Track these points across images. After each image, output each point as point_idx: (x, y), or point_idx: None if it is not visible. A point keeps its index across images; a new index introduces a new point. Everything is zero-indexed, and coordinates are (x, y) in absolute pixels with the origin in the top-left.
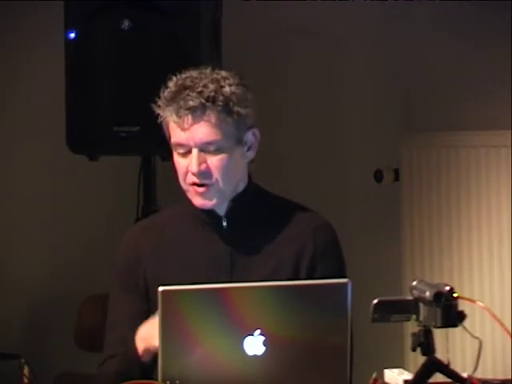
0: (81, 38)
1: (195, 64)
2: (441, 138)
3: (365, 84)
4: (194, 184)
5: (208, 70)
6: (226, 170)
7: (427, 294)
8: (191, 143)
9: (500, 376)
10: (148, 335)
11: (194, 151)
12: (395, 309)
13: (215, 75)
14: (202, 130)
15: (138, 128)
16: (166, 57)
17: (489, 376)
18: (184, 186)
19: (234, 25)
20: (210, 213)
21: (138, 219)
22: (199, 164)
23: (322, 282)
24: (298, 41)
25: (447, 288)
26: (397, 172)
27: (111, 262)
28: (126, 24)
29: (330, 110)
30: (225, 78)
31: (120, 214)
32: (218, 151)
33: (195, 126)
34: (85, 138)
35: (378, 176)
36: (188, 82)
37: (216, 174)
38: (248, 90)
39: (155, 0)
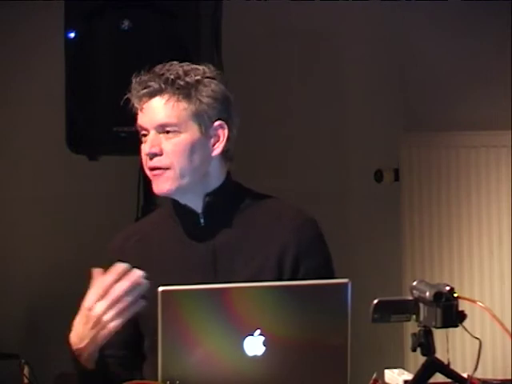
0: (81, 38)
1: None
2: (441, 137)
3: (365, 84)
4: (151, 168)
5: (189, 63)
6: (180, 154)
7: (427, 294)
8: (148, 125)
9: (500, 376)
10: (76, 340)
11: (151, 132)
12: (395, 309)
13: (189, 66)
14: (158, 112)
15: None
16: (166, 57)
17: (489, 376)
18: (147, 173)
19: (234, 25)
20: (186, 211)
21: (138, 219)
22: (152, 145)
23: (322, 282)
24: (298, 41)
25: (447, 288)
26: (397, 172)
27: None
28: (125, 24)
29: (331, 110)
30: (196, 69)
31: (120, 214)
32: (173, 135)
33: (152, 107)
34: (85, 137)
35: (378, 176)
36: (156, 69)
37: (171, 158)
38: (220, 84)
39: (155, 0)
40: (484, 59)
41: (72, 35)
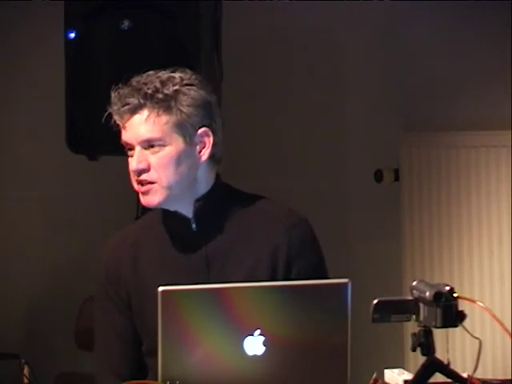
0: (81, 38)
1: (195, 64)
2: (441, 138)
3: (365, 84)
4: (139, 183)
5: (165, 71)
6: (167, 167)
7: (427, 294)
8: (133, 141)
9: (500, 376)
10: None
11: (137, 149)
12: (395, 309)
13: (165, 75)
14: (140, 128)
15: None
16: (166, 57)
17: (489, 376)
18: (135, 187)
19: (234, 25)
20: (177, 217)
21: (138, 219)
22: (139, 162)
23: (322, 282)
24: (297, 40)
25: (447, 288)
26: (397, 172)
27: None
28: (125, 24)
29: (331, 110)
30: (173, 78)
31: (120, 214)
32: (158, 149)
33: (134, 123)
34: (85, 137)
35: (378, 176)
36: (133, 83)
37: (158, 172)
38: (200, 90)
39: (155, 0)
40: (484, 59)
41: (72, 35)
